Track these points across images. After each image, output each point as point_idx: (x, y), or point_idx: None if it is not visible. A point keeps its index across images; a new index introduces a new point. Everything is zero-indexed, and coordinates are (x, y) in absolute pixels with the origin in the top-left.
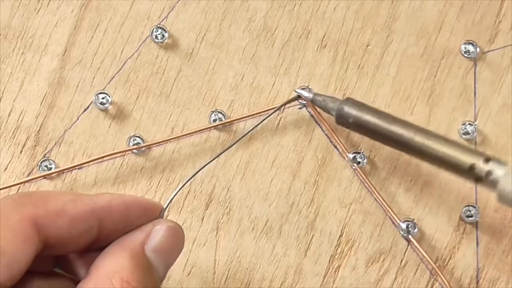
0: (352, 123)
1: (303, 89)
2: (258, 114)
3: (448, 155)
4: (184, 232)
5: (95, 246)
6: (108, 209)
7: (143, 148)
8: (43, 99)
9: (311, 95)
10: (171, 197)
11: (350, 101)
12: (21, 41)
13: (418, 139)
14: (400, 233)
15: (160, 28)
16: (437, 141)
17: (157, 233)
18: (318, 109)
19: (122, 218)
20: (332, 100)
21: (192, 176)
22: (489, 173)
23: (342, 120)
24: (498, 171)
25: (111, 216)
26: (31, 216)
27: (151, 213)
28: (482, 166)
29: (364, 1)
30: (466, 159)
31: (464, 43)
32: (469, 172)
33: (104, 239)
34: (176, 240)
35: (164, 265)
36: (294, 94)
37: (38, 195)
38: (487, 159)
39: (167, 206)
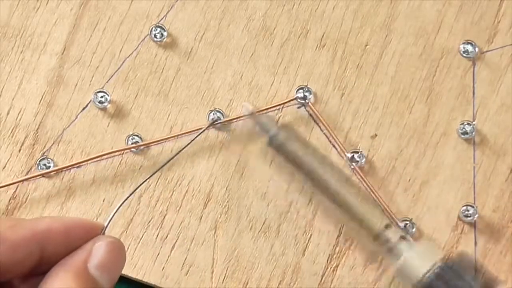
0: (280, 153)
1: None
2: (257, 114)
3: (361, 215)
4: (180, 232)
5: (39, 270)
6: (48, 233)
7: (142, 147)
8: (41, 98)
9: (249, 110)
10: (111, 215)
11: (282, 135)
12: (20, 39)
13: (339, 191)
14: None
15: (159, 27)
16: (354, 199)
17: (98, 249)
18: (317, 109)
19: (64, 240)
20: (267, 125)
21: (130, 195)
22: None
23: (272, 146)
24: (403, 247)
25: (52, 239)
26: None
27: (93, 233)
28: (390, 235)
29: (363, 1)
30: (377, 225)
31: (463, 43)
32: (377, 235)
33: (47, 262)
34: (117, 254)
35: (108, 280)
36: (294, 93)
37: None
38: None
39: (107, 224)
